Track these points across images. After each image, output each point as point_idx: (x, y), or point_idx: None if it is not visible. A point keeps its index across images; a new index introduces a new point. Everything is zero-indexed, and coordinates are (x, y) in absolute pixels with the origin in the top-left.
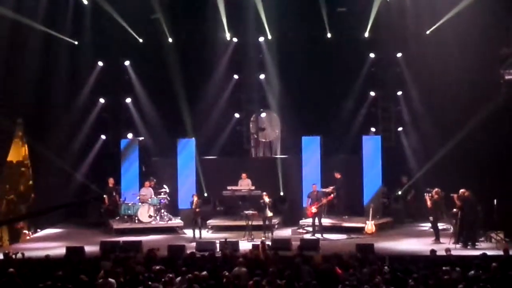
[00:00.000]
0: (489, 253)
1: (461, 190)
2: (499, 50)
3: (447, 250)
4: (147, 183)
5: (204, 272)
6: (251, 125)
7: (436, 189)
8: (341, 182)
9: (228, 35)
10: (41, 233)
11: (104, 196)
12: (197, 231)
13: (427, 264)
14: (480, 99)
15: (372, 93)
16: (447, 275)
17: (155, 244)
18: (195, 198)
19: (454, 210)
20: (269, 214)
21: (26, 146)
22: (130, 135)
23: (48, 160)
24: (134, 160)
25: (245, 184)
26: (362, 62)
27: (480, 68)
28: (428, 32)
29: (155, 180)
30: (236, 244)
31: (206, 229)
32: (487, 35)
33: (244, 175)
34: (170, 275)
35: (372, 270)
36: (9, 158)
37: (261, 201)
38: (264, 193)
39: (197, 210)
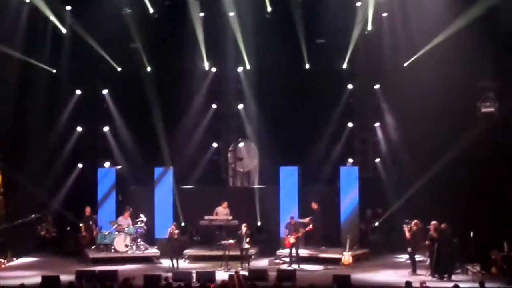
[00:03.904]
0: (465, 285)
1: (433, 222)
2: (476, 83)
3: (422, 282)
4: (126, 213)
5: None
6: (229, 155)
7: (415, 221)
8: (318, 212)
9: (207, 65)
10: (16, 261)
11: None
12: (174, 261)
13: None
14: (457, 132)
15: (350, 124)
16: None
17: (131, 273)
18: (173, 228)
19: (427, 242)
20: (246, 245)
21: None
22: (107, 164)
23: (24, 188)
24: (111, 189)
25: (222, 213)
26: (340, 93)
27: (457, 101)
28: (405, 64)
29: (131, 209)
30: (212, 274)
31: (183, 259)
32: (464, 68)
33: (225, 203)
34: None
35: None
36: None
37: (239, 231)
38: (244, 224)
39: (175, 239)
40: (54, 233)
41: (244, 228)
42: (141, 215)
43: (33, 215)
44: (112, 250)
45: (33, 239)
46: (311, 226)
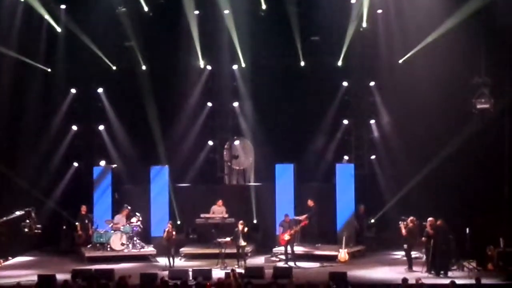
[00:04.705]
0: (461, 282)
1: (430, 219)
2: (471, 80)
3: (418, 279)
4: (123, 211)
5: None
6: (224, 153)
7: (411, 218)
8: (314, 210)
9: (202, 63)
10: (12, 261)
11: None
12: (171, 259)
13: None
14: (452, 128)
15: (345, 121)
16: None
17: (127, 272)
18: (169, 226)
19: (423, 238)
20: (243, 243)
21: None
22: (103, 163)
23: (19, 187)
24: (106, 187)
25: (218, 211)
26: (335, 90)
27: (453, 97)
28: (400, 61)
29: (129, 208)
30: (209, 272)
31: (179, 257)
32: (459, 64)
33: (220, 201)
34: None
35: None
36: None
37: (236, 229)
38: (241, 221)
39: (172, 238)
40: (37, 229)
41: (240, 226)
42: (137, 214)
43: (17, 212)
44: (108, 249)
45: (26, 238)
46: (304, 222)
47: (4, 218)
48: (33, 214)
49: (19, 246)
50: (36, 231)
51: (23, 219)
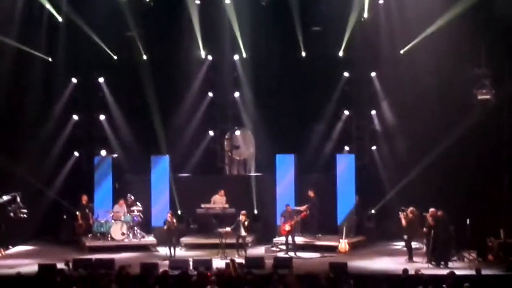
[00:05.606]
0: (461, 272)
1: (431, 209)
2: (472, 71)
3: (417, 270)
4: (121, 201)
5: None
6: (225, 143)
7: (411, 208)
8: (314, 200)
9: (203, 53)
10: (12, 250)
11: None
12: (171, 249)
13: (400, 283)
14: (453, 119)
15: (346, 112)
16: None
17: (127, 261)
18: (170, 216)
19: (425, 229)
20: (243, 233)
21: None
22: (103, 152)
23: (20, 176)
24: (107, 177)
25: (219, 201)
26: (337, 81)
27: (454, 88)
28: (402, 52)
29: (132, 197)
30: (209, 262)
31: (180, 247)
32: (460, 55)
33: (222, 191)
34: None
35: None
36: None
37: (238, 219)
38: (243, 211)
39: (172, 227)
40: (22, 214)
41: (242, 217)
42: (138, 203)
43: (4, 197)
44: (109, 239)
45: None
46: (304, 213)
47: None
48: (18, 199)
49: (19, 235)
50: (21, 215)
51: (10, 204)
